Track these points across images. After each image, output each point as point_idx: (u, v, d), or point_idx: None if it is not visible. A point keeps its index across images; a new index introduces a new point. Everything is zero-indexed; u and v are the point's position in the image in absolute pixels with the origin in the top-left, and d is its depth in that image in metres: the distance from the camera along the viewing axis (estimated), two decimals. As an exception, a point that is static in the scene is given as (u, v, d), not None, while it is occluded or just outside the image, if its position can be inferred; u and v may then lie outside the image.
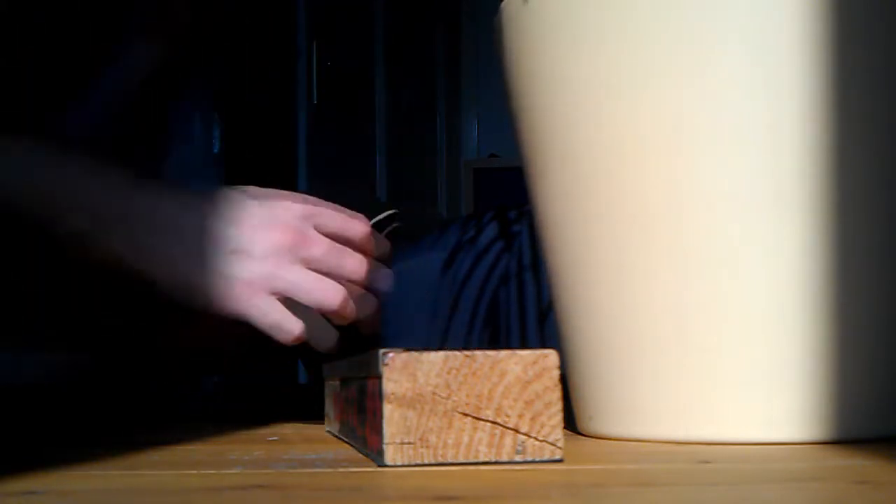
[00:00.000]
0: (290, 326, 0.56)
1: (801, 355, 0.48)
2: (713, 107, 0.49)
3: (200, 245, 0.55)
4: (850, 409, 0.49)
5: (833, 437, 0.48)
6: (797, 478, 0.38)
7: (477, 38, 3.39)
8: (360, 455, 0.45)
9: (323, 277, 0.56)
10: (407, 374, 0.40)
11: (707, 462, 0.42)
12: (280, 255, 0.56)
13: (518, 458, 0.40)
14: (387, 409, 0.40)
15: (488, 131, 3.41)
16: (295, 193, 0.61)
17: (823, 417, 0.48)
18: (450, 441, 0.40)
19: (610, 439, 0.53)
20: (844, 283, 0.49)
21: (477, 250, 1.42)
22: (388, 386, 0.40)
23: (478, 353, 0.41)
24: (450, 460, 0.40)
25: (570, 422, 0.55)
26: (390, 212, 0.58)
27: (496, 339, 1.37)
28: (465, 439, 0.40)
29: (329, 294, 0.55)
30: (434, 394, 0.40)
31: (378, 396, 0.40)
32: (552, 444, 0.41)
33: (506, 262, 1.39)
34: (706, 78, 0.49)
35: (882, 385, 0.50)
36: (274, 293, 0.55)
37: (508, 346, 1.42)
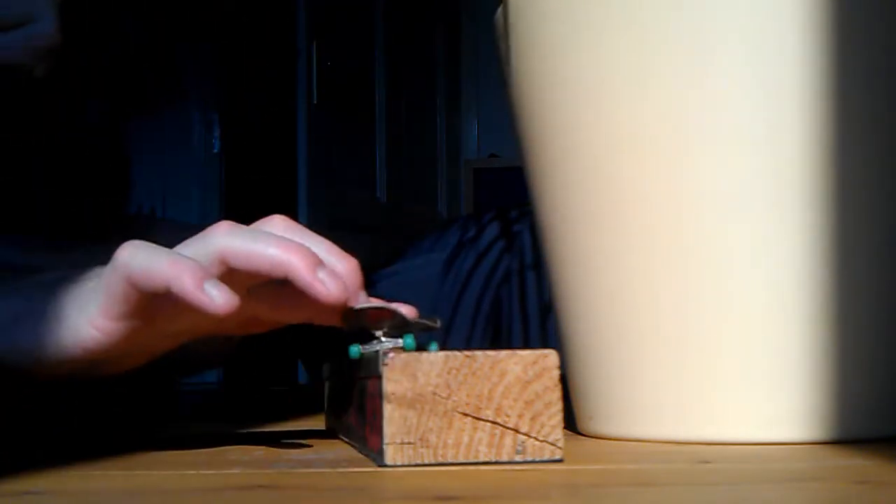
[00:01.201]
0: (157, 266, 0.42)
1: (801, 355, 0.48)
2: (713, 107, 0.49)
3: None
4: (850, 409, 0.49)
5: (833, 437, 0.48)
6: (797, 478, 0.38)
7: (477, 38, 3.39)
8: (360, 455, 0.45)
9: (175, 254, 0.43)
10: (407, 374, 0.40)
11: (707, 462, 0.42)
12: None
13: (518, 458, 0.40)
14: (387, 409, 0.40)
15: (488, 131, 3.41)
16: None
17: (823, 417, 0.48)
18: (450, 441, 0.40)
19: (610, 439, 0.53)
20: (844, 283, 0.49)
21: (478, 250, 1.42)
22: (388, 386, 0.40)
23: (478, 353, 0.41)
24: (450, 460, 0.40)
25: (570, 422, 0.55)
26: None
27: (498, 337, 1.37)
28: (465, 439, 0.40)
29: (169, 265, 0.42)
30: (434, 394, 0.40)
31: (378, 396, 0.40)
32: (552, 444, 0.41)
33: (507, 261, 1.40)
34: (706, 78, 0.49)
35: (882, 385, 0.50)
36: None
37: (510, 345, 1.42)
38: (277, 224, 0.47)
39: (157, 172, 2.17)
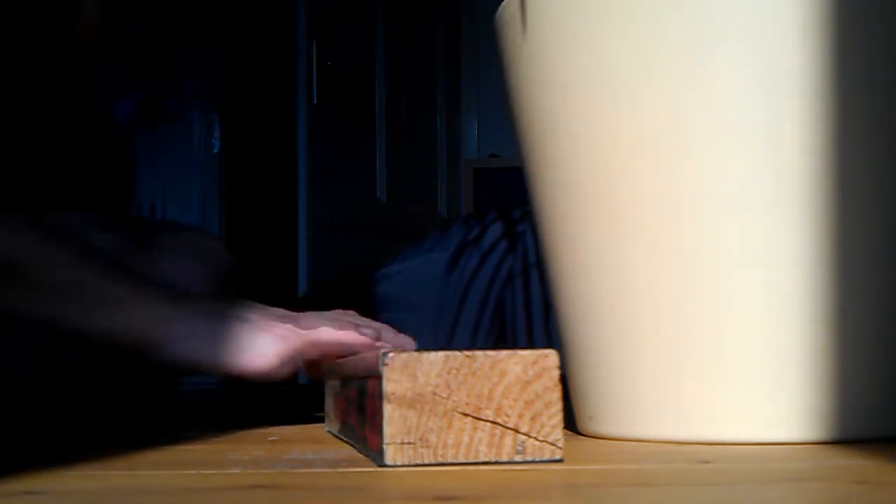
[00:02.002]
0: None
1: (801, 355, 0.48)
2: (713, 107, 0.49)
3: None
4: (850, 409, 0.49)
5: (833, 437, 0.48)
6: (797, 478, 0.38)
7: (477, 38, 3.38)
8: (360, 455, 0.45)
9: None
10: (407, 374, 0.40)
11: (707, 462, 0.42)
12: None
13: (518, 458, 0.40)
14: (387, 409, 0.40)
15: (488, 131, 3.41)
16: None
17: (823, 417, 0.48)
18: (450, 441, 0.40)
19: (610, 439, 0.53)
20: (844, 283, 0.49)
21: (481, 250, 1.42)
22: (388, 386, 0.40)
23: (478, 353, 0.41)
24: (450, 460, 0.40)
25: (570, 422, 0.55)
26: None
27: (503, 337, 1.37)
28: (465, 439, 0.40)
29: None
30: (434, 394, 0.40)
31: (378, 396, 0.40)
32: (552, 444, 0.41)
33: (511, 261, 1.40)
34: (706, 78, 0.49)
35: (882, 385, 0.50)
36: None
37: (515, 344, 1.42)
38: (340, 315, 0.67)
39: (157, 172, 2.17)
